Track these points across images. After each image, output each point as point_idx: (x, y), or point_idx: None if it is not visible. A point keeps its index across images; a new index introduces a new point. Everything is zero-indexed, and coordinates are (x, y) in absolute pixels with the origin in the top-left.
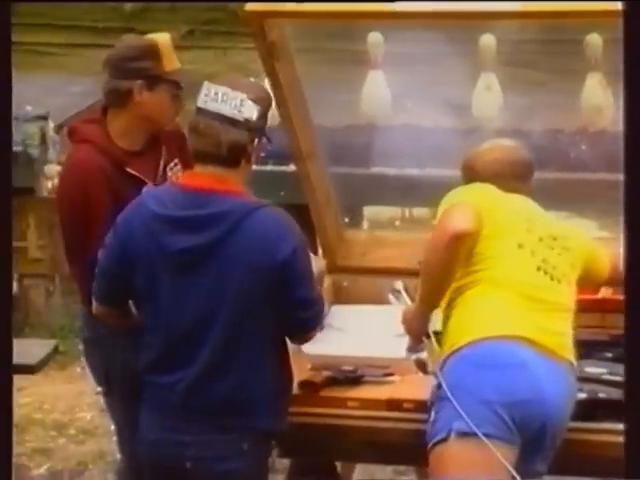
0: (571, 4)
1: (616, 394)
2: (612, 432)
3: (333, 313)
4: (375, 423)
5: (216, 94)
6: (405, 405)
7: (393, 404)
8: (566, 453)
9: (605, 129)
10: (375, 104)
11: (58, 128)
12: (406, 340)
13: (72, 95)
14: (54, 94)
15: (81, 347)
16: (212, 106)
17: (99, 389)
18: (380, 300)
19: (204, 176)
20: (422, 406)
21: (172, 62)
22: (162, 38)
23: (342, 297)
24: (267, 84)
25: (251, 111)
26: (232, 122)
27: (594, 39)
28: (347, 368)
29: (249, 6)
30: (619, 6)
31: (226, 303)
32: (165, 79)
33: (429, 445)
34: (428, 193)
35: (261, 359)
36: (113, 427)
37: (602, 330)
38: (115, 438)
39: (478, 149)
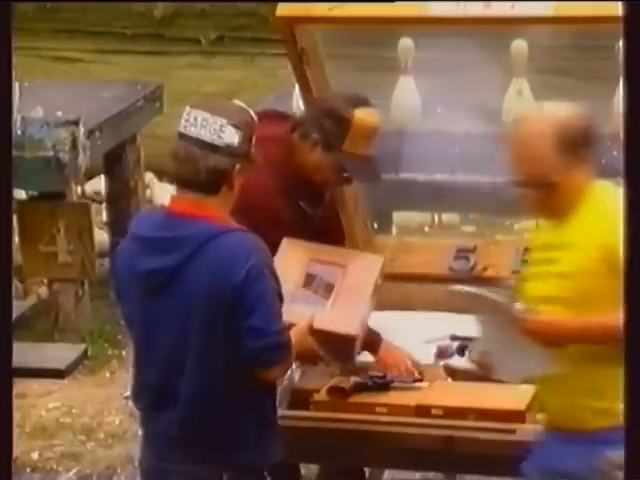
0: (604, 8)
1: None
2: None
3: None
4: (403, 429)
5: (196, 119)
6: (434, 411)
7: (422, 410)
8: None
9: None
10: (405, 110)
11: (89, 133)
12: (434, 346)
13: (103, 101)
14: (85, 100)
15: (111, 352)
16: (192, 131)
17: (127, 393)
18: (409, 306)
19: (184, 200)
20: (451, 412)
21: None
22: None
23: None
24: (297, 89)
25: (232, 136)
26: (212, 148)
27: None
28: (376, 374)
29: (280, 12)
30: None
31: (194, 331)
32: None
33: None
34: (458, 199)
35: (239, 391)
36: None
37: None
38: None
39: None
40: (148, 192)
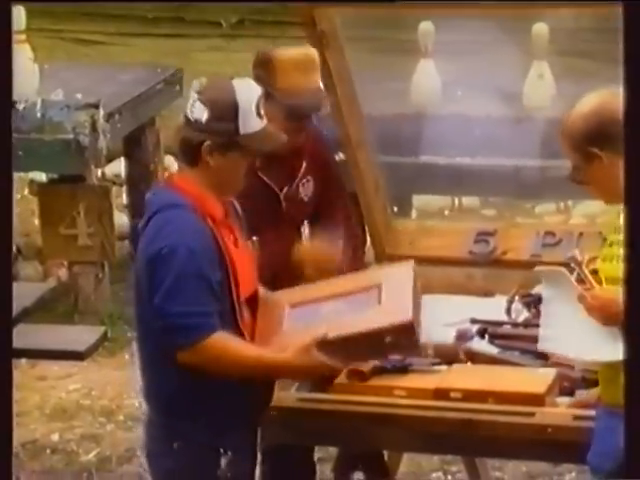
0: None
1: None
2: None
3: None
4: (422, 412)
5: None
6: (452, 394)
7: (440, 393)
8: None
9: None
10: (425, 93)
11: (109, 116)
12: (454, 329)
13: (122, 84)
14: (104, 83)
15: (130, 334)
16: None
17: None
18: (428, 289)
19: (176, 169)
20: (470, 395)
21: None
22: None
23: None
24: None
25: (200, 112)
26: (186, 121)
27: None
28: (395, 357)
29: None
30: None
31: (135, 298)
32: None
33: None
34: (478, 182)
35: (166, 362)
36: None
37: None
38: None
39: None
40: (168, 175)
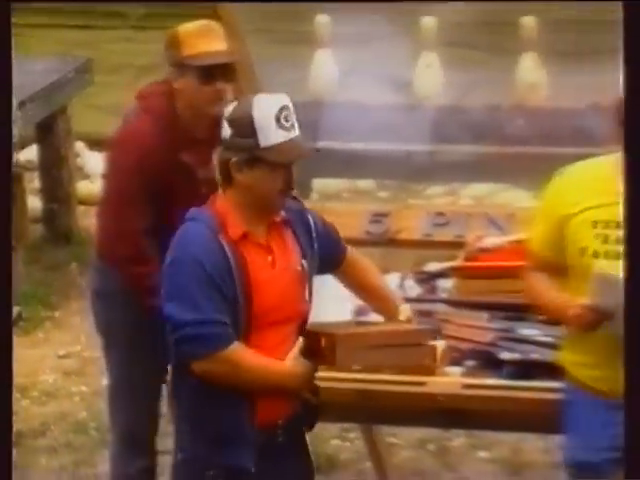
0: None
1: (548, 355)
2: (545, 390)
3: None
4: (323, 384)
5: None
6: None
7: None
8: (503, 410)
9: (540, 105)
10: (322, 82)
11: (21, 104)
12: (349, 305)
13: (34, 73)
14: (17, 72)
15: (44, 313)
16: None
17: (62, 352)
18: None
19: None
20: (368, 368)
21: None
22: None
23: None
24: None
25: (226, 132)
26: (221, 142)
27: (528, 21)
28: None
29: None
30: None
31: None
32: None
33: None
34: (373, 166)
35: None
36: (107, 385)
37: (520, 295)
38: (108, 400)
39: None
40: (79, 160)
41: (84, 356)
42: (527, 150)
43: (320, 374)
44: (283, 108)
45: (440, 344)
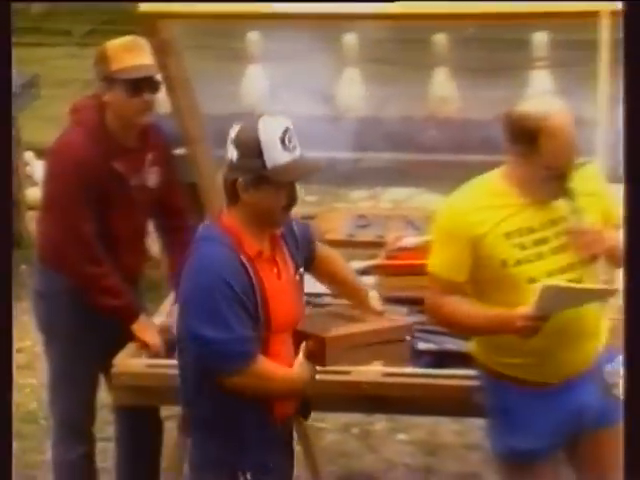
0: (421, 6)
1: (461, 345)
2: (458, 377)
3: None
4: None
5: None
6: None
7: None
8: (420, 396)
9: (450, 117)
10: (254, 95)
11: None
12: None
13: None
14: None
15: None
16: None
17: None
18: None
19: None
20: None
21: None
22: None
23: None
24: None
25: (232, 153)
26: (226, 161)
27: (440, 39)
28: None
29: (142, 9)
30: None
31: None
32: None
33: None
34: None
35: (212, 393)
36: (48, 376)
37: None
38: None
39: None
40: (28, 168)
41: (34, 351)
42: (439, 157)
43: None
44: (286, 130)
45: None
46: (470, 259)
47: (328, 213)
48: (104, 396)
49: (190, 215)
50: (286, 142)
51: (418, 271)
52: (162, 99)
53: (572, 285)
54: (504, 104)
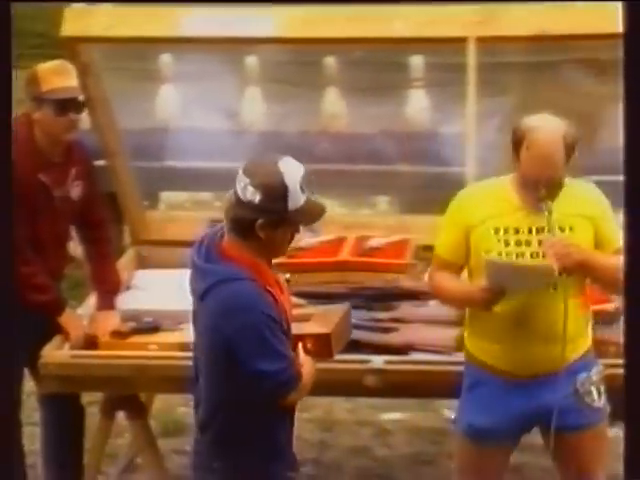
0: (313, 31)
1: (356, 333)
2: (350, 362)
3: (138, 277)
4: (170, 362)
5: (237, 174)
6: (192, 346)
7: (184, 346)
8: (318, 379)
9: (340, 131)
10: (167, 111)
11: None
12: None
13: None
14: None
15: None
16: (235, 184)
17: None
18: (173, 265)
19: (226, 238)
20: None
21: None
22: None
23: (144, 264)
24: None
25: (252, 195)
26: (238, 201)
27: (330, 61)
28: (148, 319)
29: (63, 33)
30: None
31: (203, 354)
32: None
33: None
34: (210, 181)
35: (244, 414)
36: None
37: (342, 285)
38: None
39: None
40: None
41: None
42: (331, 167)
43: (171, 354)
44: (304, 175)
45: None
46: (465, 244)
47: None
48: (32, 385)
49: (109, 225)
50: (302, 185)
51: (315, 268)
52: (83, 116)
53: (510, 261)
54: (387, 120)
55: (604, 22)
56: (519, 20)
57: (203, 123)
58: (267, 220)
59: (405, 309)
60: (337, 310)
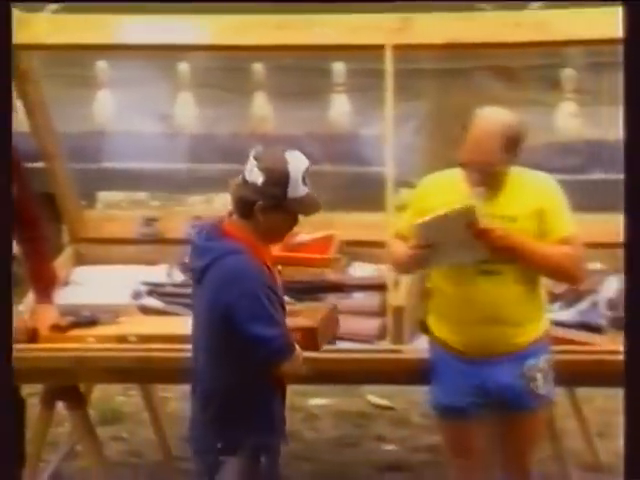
0: (241, 39)
1: None
2: None
3: (76, 273)
4: (108, 354)
5: (248, 157)
6: (129, 338)
7: (121, 338)
8: None
9: (269, 133)
10: (103, 115)
11: None
12: (129, 290)
13: None
14: None
15: None
16: (244, 166)
17: None
18: (110, 261)
19: (227, 217)
20: (142, 339)
21: None
22: None
23: (83, 261)
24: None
25: (256, 177)
26: (244, 181)
27: (258, 67)
28: (86, 314)
29: None
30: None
31: (202, 329)
32: None
33: None
34: (146, 181)
35: (245, 383)
36: None
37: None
38: None
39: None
40: None
41: None
42: None
43: (108, 346)
44: (307, 168)
45: None
46: None
47: (169, 216)
48: None
49: (45, 224)
50: (305, 178)
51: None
52: (21, 119)
53: (435, 215)
54: (311, 122)
55: (513, 30)
56: (433, 28)
57: (138, 126)
58: (266, 203)
59: (331, 301)
60: (323, 308)
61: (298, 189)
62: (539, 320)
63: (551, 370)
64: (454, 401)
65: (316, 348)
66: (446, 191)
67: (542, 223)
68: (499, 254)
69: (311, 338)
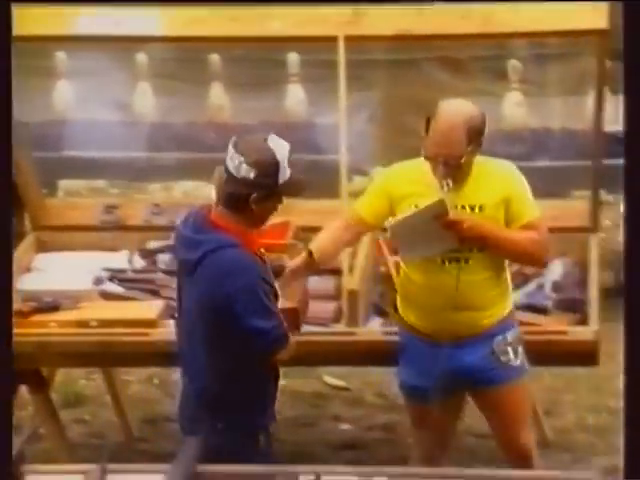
0: (199, 30)
1: None
2: None
3: (38, 260)
4: (70, 338)
5: (229, 151)
6: (91, 323)
7: (82, 323)
8: None
9: (225, 122)
10: (63, 105)
11: None
12: (90, 276)
13: None
14: None
15: None
16: (226, 160)
17: None
18: (72, 248)
19: (215, 209)
20: (103, 323)
21: None
22: None
23: (44, 248)
24: None
25: (247, 172)
26: (231, 177)
27: (214, 58)
28: (48, 299)
29: None
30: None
31: (197, 321)
32: None
33: None
34: (105, 169)
35: (241, 372)
36: None
37: None
38: None
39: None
40: None
41: None
42: (218, 156)
43: (69, 330)
44: (289, 150)
45: (159, 304)
46: (388, 213)
47: (129, 203)
48: None
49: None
50: (287, 161)
51: None
52: None
53: (406, 214)
54: (267, 112)
55: (461, 23)
56: (384, 20)
57: (97, 115)
58: (260, 194)
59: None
60: (296, 286)
61: (286, 172)
62: (505, 301)
63: (520, 343)
64: (421, 382)
65: (298, 328)
66: (413, 181)
67: (508, 210)
68: (468, 244)
69: (294, 319)
